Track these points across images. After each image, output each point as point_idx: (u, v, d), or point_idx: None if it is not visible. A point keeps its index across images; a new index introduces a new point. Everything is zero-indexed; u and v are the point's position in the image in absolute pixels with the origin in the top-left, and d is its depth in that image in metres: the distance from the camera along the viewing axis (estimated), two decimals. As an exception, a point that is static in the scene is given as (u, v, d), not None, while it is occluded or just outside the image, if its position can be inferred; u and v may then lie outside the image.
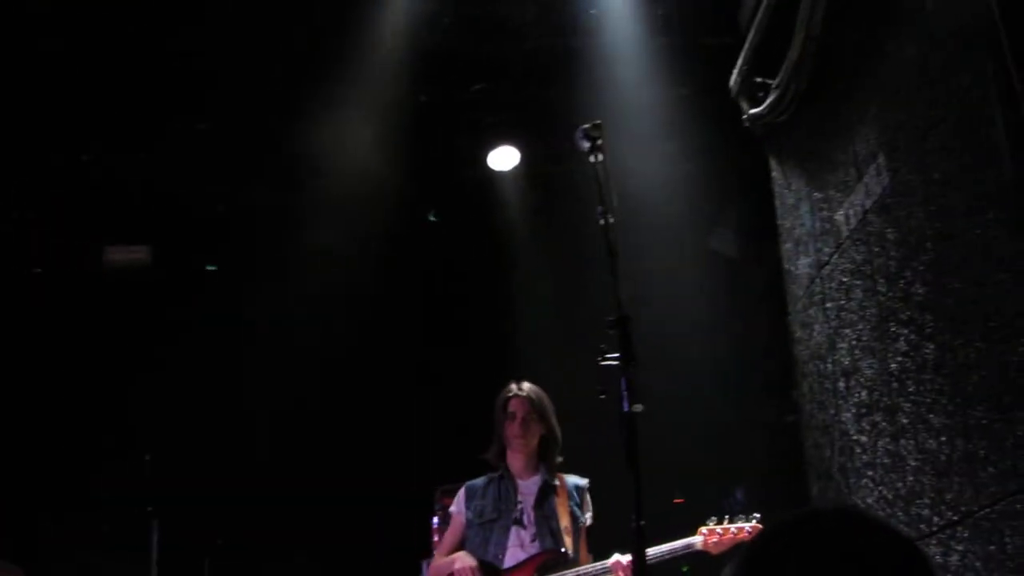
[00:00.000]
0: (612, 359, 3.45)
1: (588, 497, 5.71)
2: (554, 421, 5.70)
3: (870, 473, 5.30)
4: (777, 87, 6.10)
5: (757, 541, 1.94)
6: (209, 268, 9.03)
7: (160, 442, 8.10)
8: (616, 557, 5.31)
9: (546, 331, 8.35)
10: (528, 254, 8.66)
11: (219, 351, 8.51)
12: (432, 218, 8.95)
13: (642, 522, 3.41)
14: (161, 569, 7.70)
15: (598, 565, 5.40)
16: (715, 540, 5.30)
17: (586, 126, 3.98)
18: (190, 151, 8.11)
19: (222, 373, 8.48)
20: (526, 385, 5.70)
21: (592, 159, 3.84)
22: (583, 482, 5.73)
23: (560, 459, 5.71)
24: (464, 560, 5.52)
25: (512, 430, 5.61)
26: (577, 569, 5.48)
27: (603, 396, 3.45)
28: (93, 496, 8.47)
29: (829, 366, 5.85)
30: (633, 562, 3.51)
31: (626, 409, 3.43)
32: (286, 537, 8.16)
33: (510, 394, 5.68)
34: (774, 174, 6.63)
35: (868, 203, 5.20)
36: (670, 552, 5.22)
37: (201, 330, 8.59)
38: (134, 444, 7.90)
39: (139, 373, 8.63)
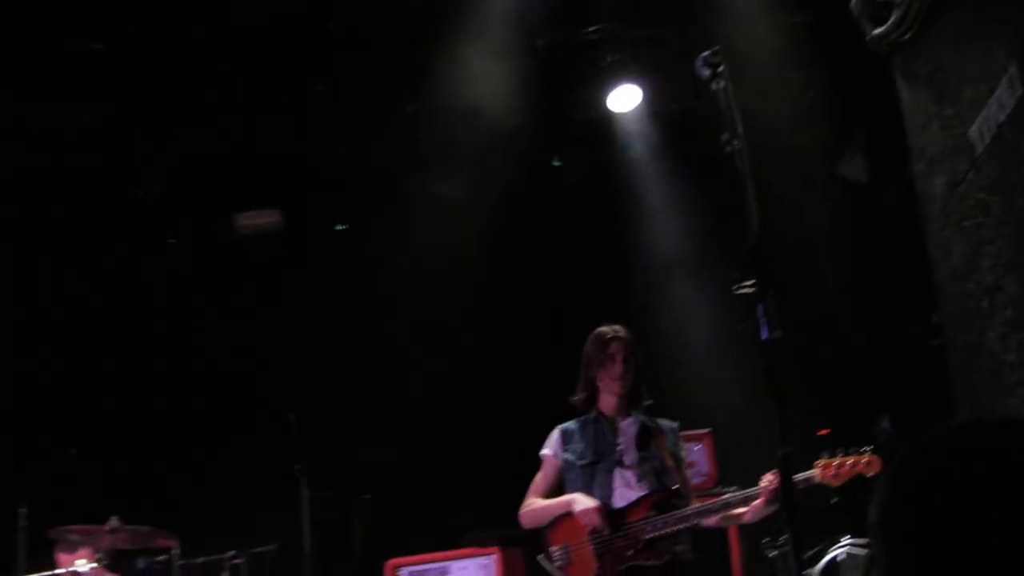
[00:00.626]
0: (748, 287, 3.42)
1: (680, 439, 5.75)
2: (643, 363, 5.71)
3: (1020, 391, 5.19)
4: (899, 5, 5.95)
5: (902, 459, 1.90)
6: (338, 228, 9.13)
7: (303, 401, 8.22)
8: (766, 479, 5.27)
9: (677, 268, 8.30)
10: (654, 192, 8.61)
11: (354, 309, 8.61)
12: (556, 163, 8.94)
13: (788, 450, 3.38)
14: (312, 526, 7.83)
15: (748, 491, 5.38)
16: (833, 473, 5.24)
17: (706, 53, 3.93)
18: (312, 113, 8.21)
19: (359, 330, 8.58)
20: (620, 328, 5.70)
21: (714, 86, 3.80)
22: (674, 424, 5.76)
23: (649, 402, 5.71)
24: (584, 502, 5.50)
25: (614, 371, 5.61)
26: (724, 497, 5.47)
27: (741, 325, 3.42)
28: (241, 458, 8.67)
29: (970, 286, 5.72)
30: (782, 493, 3.48)
31: (765, 336, 3.40)
32: (430, 489, 8.24)
33: (609, 336, 5.67)
34: (902, 94, 6.48)
35: (1002, 117, 5.06)
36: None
37: (335, 289, 8.70)
38: (278, 404, 8.02)
39: (278, 335, 8.78)
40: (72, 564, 6.49)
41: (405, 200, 8.71)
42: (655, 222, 8.57)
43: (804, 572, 6.17)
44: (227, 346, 8.84)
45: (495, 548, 7.11)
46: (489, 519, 7.47)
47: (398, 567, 7.29)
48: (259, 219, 8.87)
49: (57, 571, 6.60)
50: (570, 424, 5.79)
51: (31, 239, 8.92)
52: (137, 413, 8.85)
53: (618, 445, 5.60)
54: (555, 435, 5.82)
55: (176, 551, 6.96)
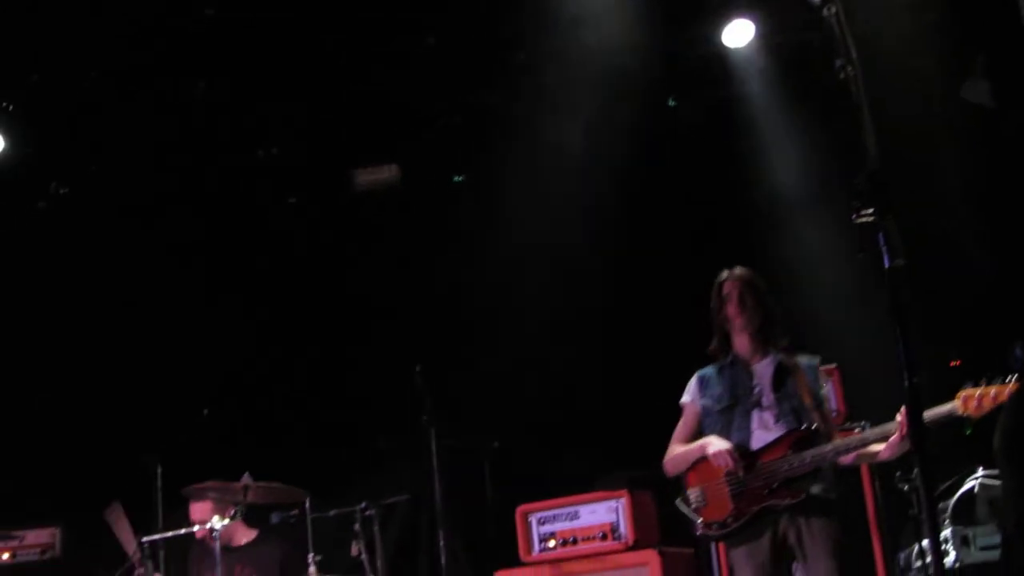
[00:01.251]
0: (867, 215, 3.35)
1: (821, 375, 5.67)
2: (772, 302, 5.68)
3: None
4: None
5: None
6: (456, 179, 9.15)
7: (428, 353, 8.27)
8: (903, 414, 5.17)
9: (800, 202, 8.16)
10: (773, 127, 8.48)
11: (476, 259, 8.63)
12: (671, 103, 8.86)
13: (914, 379, 3.31)
14: (442, 475, 7.90)
15: (884, 426, 5.29)
16: (975, 404, 5.11)
17: (816, -22, 3.83)
18: (426, 64, 8.22)
19: (482, 280, 8.64)
20: (737, 268, 5.66)
21: (826, 12, 3.70)
22: (814, 360, 5.68)
23: (785, 341, 5.63)
24: (717, 444, 5.51)
25: (730, 310, 5.62)
26: (863, 434, 5.42)
27: (861, 255, 3.35)
28: (369, 411, 8.80)
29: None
30: (910, 424, 3.41)
31: (887, 264, 3.33)
32: (559, 435, 8.26)
33: (722, 278, 5.68)
34: (1025, 13, 6.29)
35: None
36: (930, 420, 5.05)
37: (456, 241, 8.72)
38: (404, 357, 8.08)
39: (401, 288, 8.87)
40: (208, 520, 6.62)
41: (522, 148, 8.69)
42: (775, 157, 8.43)
43: (938, 505, 6.10)
44: (352, 301, 8.94)
45: (624, 492, 7.14)
46: (618, 463, 7.54)
47: (528, 513, 7.38)
48: (377, 174, 8.93)
49: (193, 527, 6.77)
50: (707, 370, 5.80)
51: (160, 204, 9.12)
52: (266, 371, 9.05)
53: (754, 387, 5.60)
54: (693, 382, 5.85)
55: (308, 505, 7.07)
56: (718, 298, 5.67)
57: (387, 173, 8.94)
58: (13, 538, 8.78)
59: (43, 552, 9.01)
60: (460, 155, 9.03)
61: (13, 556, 9.03)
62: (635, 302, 8.18)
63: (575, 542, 7.21)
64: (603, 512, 7.17)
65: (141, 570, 6.91)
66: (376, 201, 8.96)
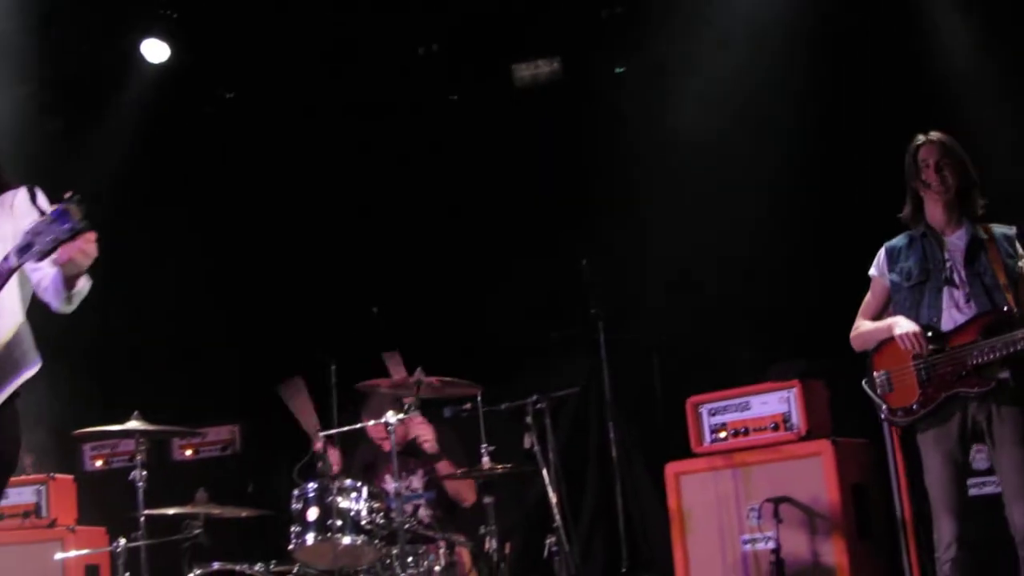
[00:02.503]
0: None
1: (1019, 246, 5.45)
2: (971, 167, 5.47)
3: None
4: None
5: None
6: (618, 71, 9.11)
7: (595, 246, 8.33)
8: None
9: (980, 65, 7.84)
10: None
11: (640, 151, 8.59)
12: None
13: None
14: (611, 368, 7.99)
15: None
16: None
17: None
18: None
19: (647, 172, 8.59)
20: (934, 132, 5.49)
21: None
22: (1010, 230, 5.48)
23: (982, 207, 5.49)
24: (904, 325, 5.39)
25: (927, 175, 5.42)
26: None
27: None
28: (538, 305, 8.90)
29: None
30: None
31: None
32: (729, 325, 8.24)
33: (919, 143, 5.49)
34: None
35: None
36: None
37: (619, 133, 8.70)
38: (571, 251, 8.13)
39: (566, 182, 8.92)
40: (382, 416, 6.70)
41: (685, 39, 8.58)
42: (948, 26, 8.05)
43: None
44: (517, 195, 8.99)
45: (795, 382, 7.11)
46: (790, 352, 7.50)
47: (699, 404, 7.43)
48: (538, 69, 8.93)
49: (368, 423, 6.90)
50: (897, 241, 5.65)
51: (323, 105, 9.31)
52: (435, 266, 9.17)
53: (946, 261, 5.44)
54: (881, 255, 5.70)
55: (480, 399, 7.14)
56: (913, 164, 5.48)
57: (548, 67, 8.94)
58: (196, 435, 9.15)
59: (224, 448, 9.42)
60: (623, 46, 8.94)
61: (196, 452, 9.45)
62: (805, 184, 7.96)
63: (746, 433, 7.24)
64: (775, 402, 7.17)
65: (319, 445, 7.10)
66: (538, 96, 8.95)
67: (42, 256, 3.61)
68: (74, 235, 3.55)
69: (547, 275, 8.73)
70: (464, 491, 7.34)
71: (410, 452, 7.38)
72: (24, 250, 3.64)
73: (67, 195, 3.57)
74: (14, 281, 3.98)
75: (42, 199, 4.04)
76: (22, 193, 4.20)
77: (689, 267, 8.41)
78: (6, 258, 3.74)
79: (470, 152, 9.14)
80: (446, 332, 8.87)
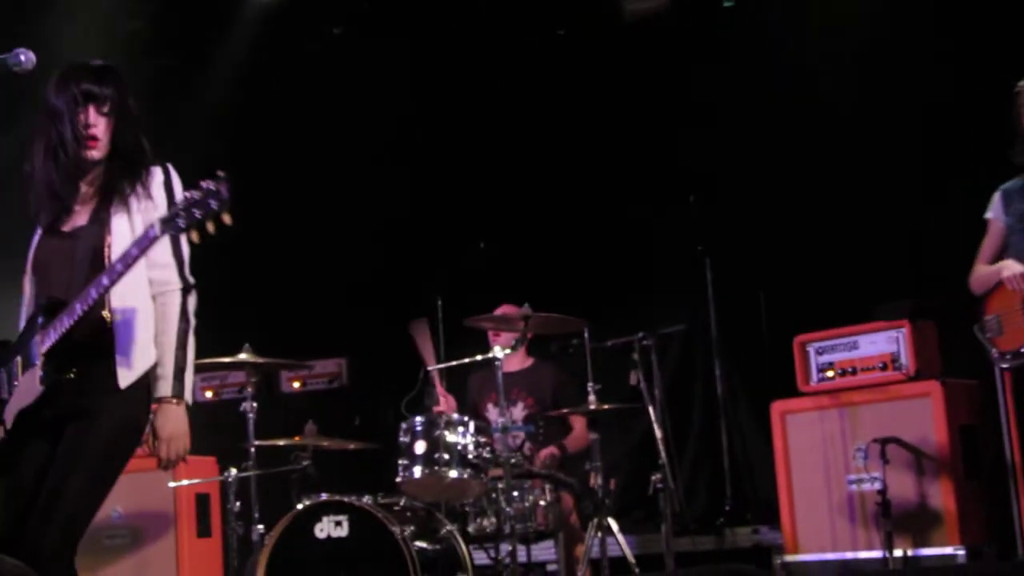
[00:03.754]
0: None
1: None
2: None
3: None
4: None
5: None
6: (727, 4, 9.02)
7: (704, 182, 8.38)
8: None
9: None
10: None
11: (752, 86, 8.54)
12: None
13: None
14: (719, 307, 7.99)
15: None
16: None
17: None
18: None
19: (758, 109, 8.54)
20: None
21: None
22: None
23: None
24: (1013, 267, 5.39)
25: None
26: None
27: None
28: (645, 242, 8.92)
29: None
30: None
31: None
32: (838, 263, 8.15)
33: (1017, 89, 5.44)
34: None
35: None
36: None
37: (726, 69, 8.64)
38: (679, 187, 8.12)
39: (673, 119, 8.86)
40: (489, 350, 6.74)
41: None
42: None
43: None
44: (626, 131, 8.96)
45: (904, 321, 7.06)
46: (899, 292, 7.46)
47: (806, 343, 7.40)
48: (646, 2, 8.88)
49: (476, 358, 6.87)
50: (1012, 184, 5.65)
51: (429, 41, 9.36)
52: (542, 201, 9.20)
53: None
54: (996, 197, 5.71)
55: (587, 335, 7.21)
56: (1014, 108, 5.48)
57: (656, 0, 8.90)
58: (304, 367, 9.33)
59: (331, 381, 9.58)
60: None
61: (303, 384, 9.61)
62: (920, 120, 7.88)
63: (854, 372, 7.20)
64: (883, 342, 7.12)
65: (440, 388, 7.25)
66: (646, 29, 8.91)
67: (185, 228, 3.70)
68: (220, 213, 3.64)
69: (656, 211, 8.77)
70: (581, 438, 7.36)
71: (514, 378, 7.46)
72: (169, 221, 3.75)
73: (219, 173, 3.67)
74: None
75: (176, 183, 4.21)
76: (158, 176, 4.27)
77: (797, 204, 8.32)
78: (151, 226, 3.83)
79: (576, 88, 9.12)
80: (552, 268, 8.91)
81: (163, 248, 4.12)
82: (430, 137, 9.56)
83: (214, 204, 3.63)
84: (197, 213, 3.66)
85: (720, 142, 8.60)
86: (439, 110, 9.49)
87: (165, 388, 4.14)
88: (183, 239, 4.15)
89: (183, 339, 4.19)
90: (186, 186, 3.96)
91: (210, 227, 3.67)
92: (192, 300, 4.27)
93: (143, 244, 3.87)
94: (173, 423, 4.15)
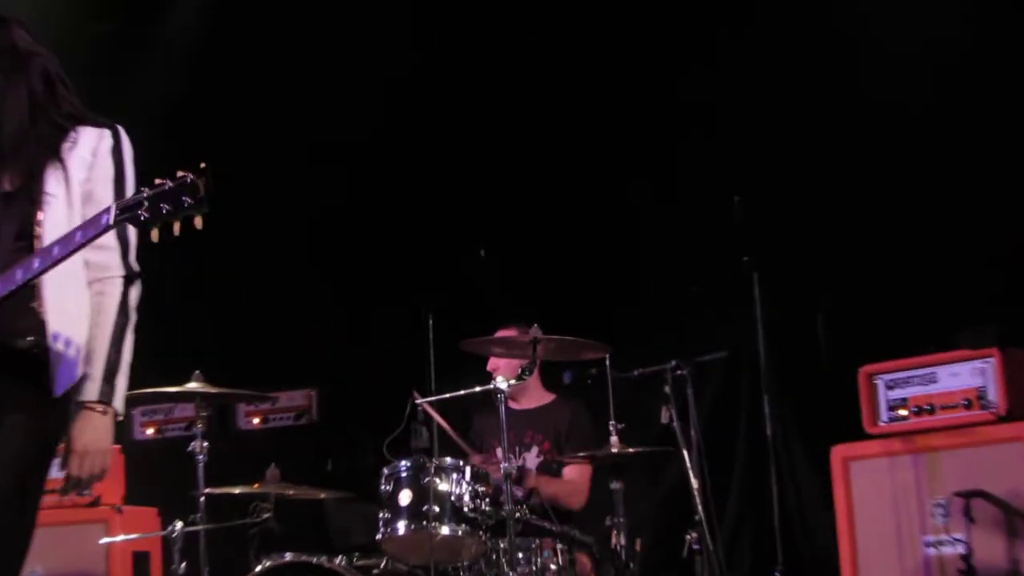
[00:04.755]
0: None
1: None
2: None
3: None
4: None
5: None
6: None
7: (751, 180, 8.36)
8: None
9: None
10: None
11: (804, 69, 8.56)
12: None
13: None
14: (767, 328, 8.07)
15: None
16: None
17: None
18: None
19: (809, 94, 8.52)
20: None
21: None
22: None
23: None
24: None
25: None
26: None
27: None
28: (679, 252, 8.92)
29: None
30: None
31: None
32: (910, 280, 8.14)
33: None
34: None
35: None
36: None
37: (780, 43, 8.68)
38: (721, 185, 8.10)
39: (716, 106, 8.89)
40: (492, 380, 6.79)
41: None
42: None
43: None
44: (653, 114, 8.98)
45: (994, 350, 7.04)
46: (987, 314, 7.41)
47: (873, 375, 7.39)
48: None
49: (475, 389, 6.87)
50: None
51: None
52: (552, 201, 9.21)
53: None
54: None
55: (608, 363, 7.20)
56: None
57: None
58: (265, 400, 9.20)
59: (298, 416, 9.57)
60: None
61: (264, 420, 9.58)
62: (1007, 110, 7.91)
63: (932, 411, 7.18)
64: (967, 375, 7.11)
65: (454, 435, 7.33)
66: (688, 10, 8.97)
67: (146, 223, 3.69)
68: (193, 213, 3.63)
69: (690, 214, 8.76)
70: (574, 492, 7.42)
71: (527, 418, 7.54)
72: (128, 210, 3.73)
73: (201, 165, 3.66)
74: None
75: (128, 152, 4.23)
76: (105, 141, 4.29)
77: (862, 207, 8.31)
78: (105, 212, 3.81)
79: (594, 66, 9.18)
80: (566, 281, 8.93)
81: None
82: (421, 122, 9.54)
83: (187, 201, 3.62)
84: (165, 208, 3.64)
85: (771, 133, 8.58)
86: (434, 84, 9.52)
87: (92, 391, 4.12)
88: None
89: (120, 336, 4.18)
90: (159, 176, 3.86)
91: (176, 227, 3.65)
92: (135, 292, 4.26)
93: (90, 232, 3.83)
94: (93, 433, 4.13)
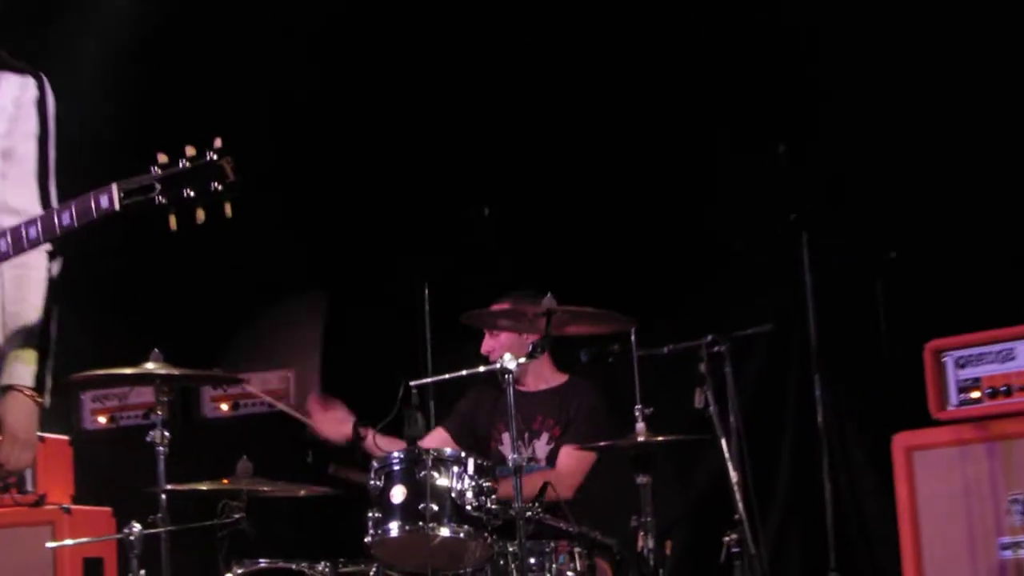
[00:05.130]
0: None
1: None
2: None
3: None
4: None
5: None
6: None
7: (797, 128, 8.29)
8: None
9: None
10: None
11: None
12: None
13: None
14: (818, 296, 8.00)
15: None
16: None
17: None
18: None
19: (866, 26, 8.38)
20: None
21: None
22: None
23: None
24: None
25: None
26: None
27: None
28: (715, 209, 8.78)
29: None
30: None
31: None
32: (986, 241, 8.00)
33: None
34: None
35: None
36: None
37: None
38: (765, 134, 7.95)
39: (757, 52, 8.73)
40: (497, 357, 6.68)
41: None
42: None
43: None
44: (685, 48, 8.88)
45: (1082, 322, 7.04)
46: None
47: (941, 351, 7.25)
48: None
49: (479, 369, 6.83)
50: None
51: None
52: (569, 152, 9.09)
53: None
54: None
55: (634, 338, 7.13)
56: None
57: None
58: (235, 382, 8.99)
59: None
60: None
61: (234, 407, 9.68)
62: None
63: (1008, 392, 7.03)
64: (1051, 352, 7.11)
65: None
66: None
67: (160, 209, 3.65)
68: (223, 199, 3.66)
69: (728, 165, 8.66)
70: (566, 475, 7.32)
71: (537, 401, 7.49)
72: (138, 193, 3.69)
73: (217, 143, 3.66)
74: None
75: (51, 104, 4.23)
76: (31, 91, 4.25)
77: (927, 156, 8.16)
78: (107, 190, 3.75)
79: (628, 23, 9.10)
80: (584, 243, 8.87)
81: (26, 192, 4.14)
82: (420, 69, 9.48)
83: (215, 186, 3.62)
84: (187, 192, 3.62)
85: (822, 68, 8.47)
86: (434, 28, 9.43)
87: (22, 374, 4.12)
88: (52, 182, 4.14)
89: (49, 315, 4.23)
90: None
91: (200, 214, 3.65)
92: (55, 266, 4.28)
93: (83, 217, 3.78)
94: (27, 417, 4.14)
